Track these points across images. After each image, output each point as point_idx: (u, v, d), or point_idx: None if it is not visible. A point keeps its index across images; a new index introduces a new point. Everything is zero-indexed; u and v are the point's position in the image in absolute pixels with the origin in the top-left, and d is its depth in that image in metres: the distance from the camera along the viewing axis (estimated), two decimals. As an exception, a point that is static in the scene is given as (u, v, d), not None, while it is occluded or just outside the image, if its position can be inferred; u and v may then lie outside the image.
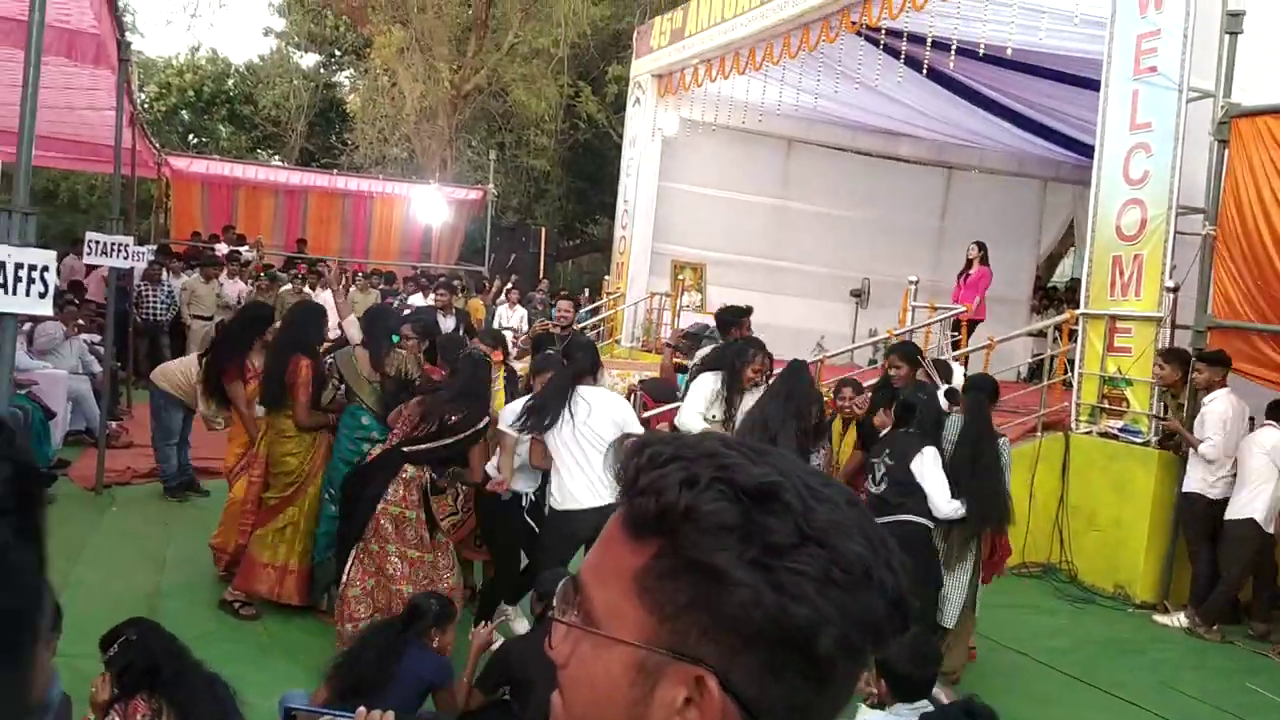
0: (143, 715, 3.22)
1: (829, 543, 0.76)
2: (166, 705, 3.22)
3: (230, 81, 31.36)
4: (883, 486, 5.53)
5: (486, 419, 5.63)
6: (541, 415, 5.54)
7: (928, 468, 5.48)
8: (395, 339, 6.44)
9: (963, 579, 5.74)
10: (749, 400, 6.42)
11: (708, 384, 6.55)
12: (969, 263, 12.54)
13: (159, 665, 3.26)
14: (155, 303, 13.87)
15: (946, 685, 5.57)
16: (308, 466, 6.18)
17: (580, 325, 13.77)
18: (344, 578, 5.41)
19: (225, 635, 5.75)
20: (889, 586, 0.78)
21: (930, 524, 5.52)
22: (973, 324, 12.00)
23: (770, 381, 6.44)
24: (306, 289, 14.86)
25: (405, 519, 5.39)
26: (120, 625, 3.48)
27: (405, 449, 5.45)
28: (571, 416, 5.53)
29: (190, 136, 31.53)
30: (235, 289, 14.72)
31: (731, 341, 7.11)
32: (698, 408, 6.47)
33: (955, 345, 11.27)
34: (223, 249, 16.81)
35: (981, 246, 12.52)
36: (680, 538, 0.77)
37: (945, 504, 5.45)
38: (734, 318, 7.78)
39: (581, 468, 5.50)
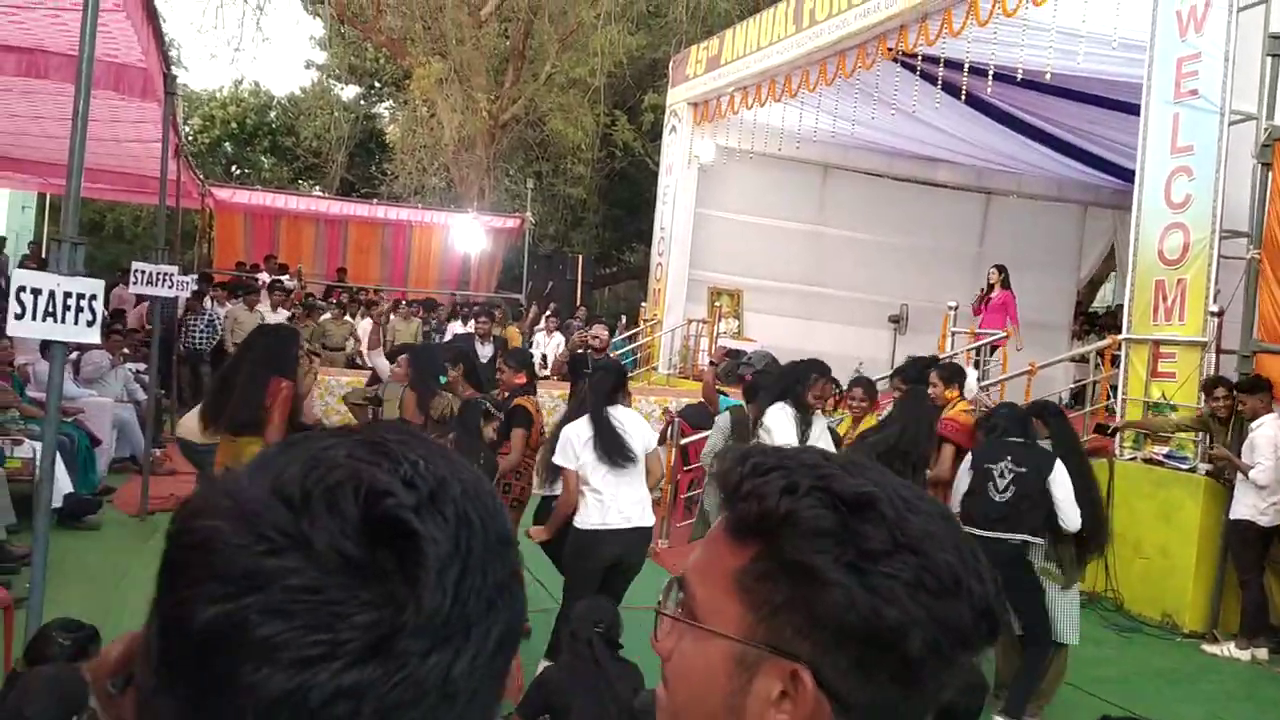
0: None
1: (922, 550, 0.80)
2: None
3: (272, 114, 31.85)
4: (1008, 494, 5.43)
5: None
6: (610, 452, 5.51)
7: (1063, 479, 5.43)
8: (443, 379, 6.48)
9: (1076, 596, 5.67)
10: (817, 428, 6.27)
11: (785, 415, 6.20)
12: (990, 287, 12.51)
13: None
14: (196, 331, 14.05)
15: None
16: None
17: (617, 352, 13.80)
18: None
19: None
20: (978, 595, 0.81)
21: (1041, 541, 5.46)
22: (993, 347, 11.98)
23: (890, 411, 6.32)
24: (348, 317, 15.02)
25: None
26: None
27: None
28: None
29: (233, 168, 32.01)
30: (278, 317, 14.87)
31: (791, 365, 6.71)
32: (791, 440, 6.08)
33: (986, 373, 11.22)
34: (265, 278, 17.01)
35: (1002, 270, 12.53)
36: (780, 540, 0.82)
37: (1076, 515, 5.41)
38: (920, 371, 7.31)
39: (610, 487, 5.49)
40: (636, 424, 5.68)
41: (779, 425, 6.15)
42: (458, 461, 0.65)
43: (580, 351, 11.25)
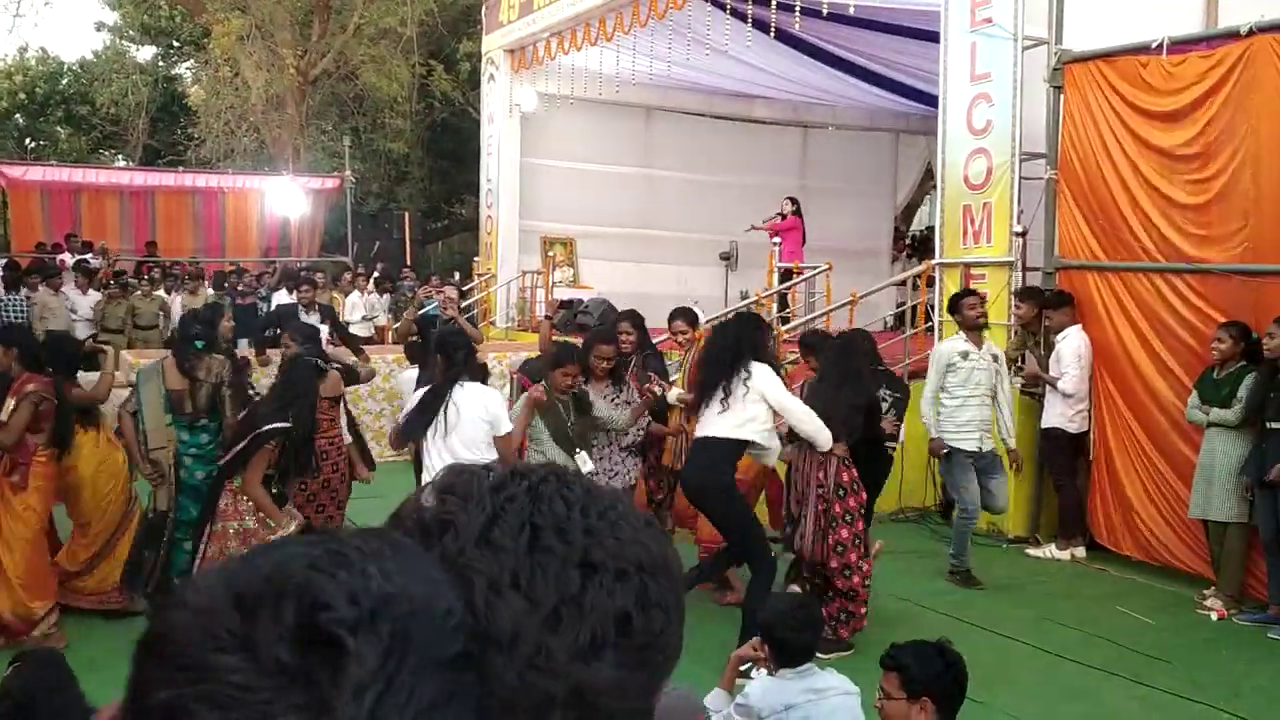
0: None
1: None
2: None
3: (64, 81, 29.92)
4: (890, 415, 6.56)
5: (279, 424, 5.37)
6: (415, 426, 5.47)
7: None
8: (199, 345, 6.19)
9: None
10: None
11: (778, 383, 5.74)
12: (784, 217, 13.59)
13: (34, 702, 3.16)
14: (13, 320, 13.34)
15: None
16: None
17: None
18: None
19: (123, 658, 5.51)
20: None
21: None
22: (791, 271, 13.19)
23: (825, 358, 6.37)
24: (158, 291, 14.37)
25: (246, 529, 5.35)
26: (21, 654, 3.45)
27: (223, 459, 5.49)
28: (444, 422, 5.42)
29: (27, 141, 30.06)
30: (88, 300, 14.09)
31: (734, 320, 6.35)
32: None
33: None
34: (67, 258, 16.05)
35: (795, 201, 13.82)
36: None
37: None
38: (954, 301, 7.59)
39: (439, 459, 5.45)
40: (481, 400, 5.57)
41: (786, 395, 5.71)
42: (425, 575, 0.67)
43: (422, 311, 11.02)
